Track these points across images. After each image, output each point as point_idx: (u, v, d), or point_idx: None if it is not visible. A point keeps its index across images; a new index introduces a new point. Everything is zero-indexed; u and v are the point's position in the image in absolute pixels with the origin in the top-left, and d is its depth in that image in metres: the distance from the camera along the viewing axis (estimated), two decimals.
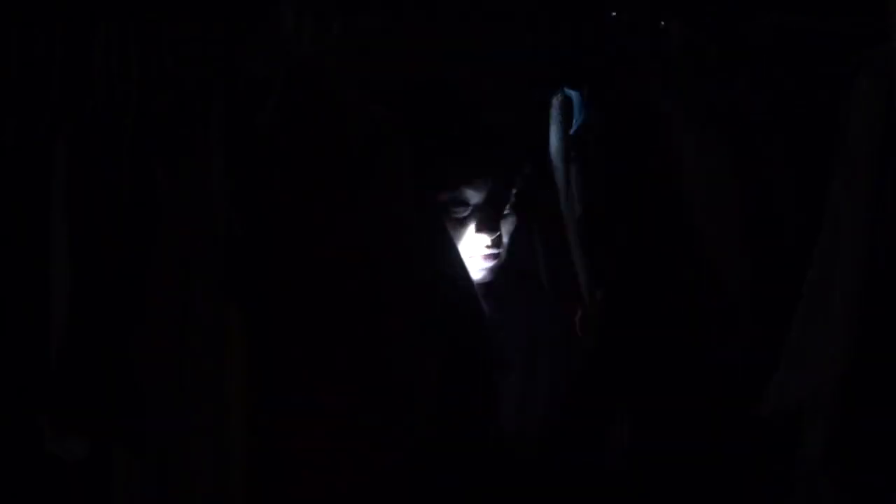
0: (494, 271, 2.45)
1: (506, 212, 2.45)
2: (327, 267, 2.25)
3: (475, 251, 2.42)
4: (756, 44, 2.34)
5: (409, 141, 2.17)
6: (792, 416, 2.12)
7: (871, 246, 2.05)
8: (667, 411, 2.29)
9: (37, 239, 2.29)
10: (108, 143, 2.32)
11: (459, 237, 2.39)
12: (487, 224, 2.39)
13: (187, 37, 2.39)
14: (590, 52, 2.39)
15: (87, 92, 2.38)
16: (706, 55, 2.30)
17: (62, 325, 2.25)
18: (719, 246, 2.30)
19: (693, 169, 2.29)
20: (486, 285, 2.45)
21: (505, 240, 2.46)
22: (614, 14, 2.34)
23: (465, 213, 2.38)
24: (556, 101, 2.48)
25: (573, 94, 2.45)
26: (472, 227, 2.40)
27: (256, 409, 2.17)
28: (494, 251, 2.43)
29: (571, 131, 2.43)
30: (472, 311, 2.30)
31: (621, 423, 2.37)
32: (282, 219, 2.28)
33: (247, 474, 2.16)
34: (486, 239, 2.41)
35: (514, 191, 2.48)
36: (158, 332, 2.23)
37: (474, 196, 2.37)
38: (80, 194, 2.29)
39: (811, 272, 2.09)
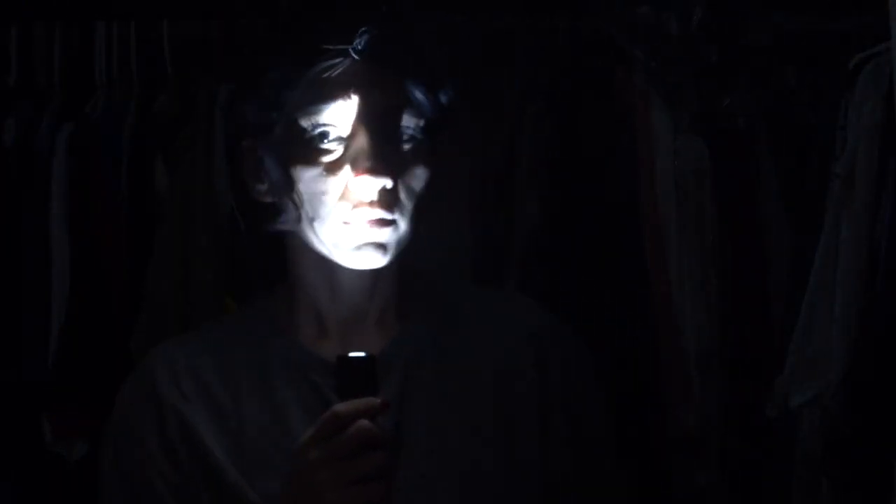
0: (392, 254, 1.54)
1: (410, 147, 1.53)
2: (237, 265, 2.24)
3: (354, 215, 1.51)
4: (756, 44, 2.34)
5: None
6: (793, 416, 2.13)
7: (871, 248, 2.05)
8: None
9: (37, 239, 2.29)
10: (108, 143, 2.32)
11: (329, 190, 1.52)
12: (372, 163, 1.48)
13: (188, 36, 2.39)
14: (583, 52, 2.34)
15: (87, 92, 2.38)
16: (706, 56, 2.30)
17: (62, 325, 2.25)
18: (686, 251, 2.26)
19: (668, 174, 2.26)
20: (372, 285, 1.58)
21: (407, 198, 1.51)
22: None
23: (338, 148, 1.51)
24: None
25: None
26: (346, 170, 1.50)
27: None
28: (386, 215, 1.51)
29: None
30: None
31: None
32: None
33: None
34: (370, 188, 1.49)
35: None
36: (159, 331, 2.22)
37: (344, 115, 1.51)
38: (81, 194, 2.29)
39: (813, 275, 2.10)
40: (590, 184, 2.27)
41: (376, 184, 1.48)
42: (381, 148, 1.49)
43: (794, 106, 2.34)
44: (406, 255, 1.59)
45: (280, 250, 1.65)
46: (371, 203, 1.50)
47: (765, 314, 2.27)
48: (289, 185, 1.53)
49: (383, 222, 1.51)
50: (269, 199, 1.59)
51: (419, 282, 1.64)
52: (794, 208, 2.28)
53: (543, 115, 2.29)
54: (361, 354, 1.42)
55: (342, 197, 1.51)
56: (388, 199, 1.50)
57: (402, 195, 1.51)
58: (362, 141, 1.49)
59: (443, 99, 1.54)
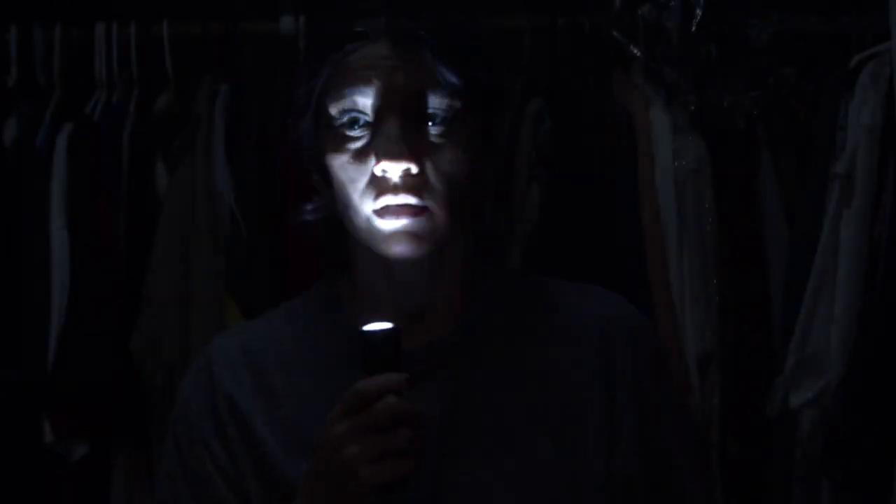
0: (428, 244, 1.50)
1: (442, 131, 1.49)
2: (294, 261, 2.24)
3: (381, 202, 1.48)
4: (756, 44, 2.34)
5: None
6: (793, 416, 2.13)
7: (871, 248, 2.06)
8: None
9: (37, 239, 2.29)
10: (108, 143, 2.32)
11: (358, 177, 1.49)
12: (394, 148, 1.46)
13: (188, 37, 2.39)
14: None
15: (87, 92, 2.38)
16: (706, 56, 2.30)
17: (62, 325, 2.26)
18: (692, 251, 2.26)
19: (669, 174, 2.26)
20: (406, 277, 1.54)
21: (440, 184, 1.48)
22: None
23: (365, 134, 1.49)
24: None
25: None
26: (373, 156, 1.48)
27: None
28: (414, 201, 1.48)
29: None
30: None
31: None
32: (283, 217, 2.28)
33: None
34: (393, 174, 1.47)
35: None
36: (159, 332, 2.23)
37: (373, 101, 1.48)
38: (80, 194, 2.30)
39: (812, 275, 2.10)
40: (589, 183, 2.27)
41: (399, 169, 1.46)
42: (405, 132, 1.46)
43: (794, 106, 2.33)
44: (471, 246, 1.55)
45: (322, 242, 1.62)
46: (396, 189, 1.47)
47: (765, 314, 2.27)
48: (324, 172, 1.51)
49: (412, 210, 1.48)
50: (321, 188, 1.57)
51: (486, 273, 1.60)
52: (793, 208, 2.28)
53: (543, 114, 2.29)
54: (385, 327, 1.40)
55: (370, 184, 1.48)
56: (415, 185, 1.46)
57: (434, 181, 1.47)
58: (385, 125, 1.46)
59: (482, 79, 1.51)
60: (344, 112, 1.48)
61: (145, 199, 2.31)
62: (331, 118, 1.49)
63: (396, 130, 1.45)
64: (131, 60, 2.38)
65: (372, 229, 1.47)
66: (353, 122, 1.48)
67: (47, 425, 2.24)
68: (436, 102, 1.47)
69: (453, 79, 1.47)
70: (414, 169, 1.44)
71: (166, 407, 2.23)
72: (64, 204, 2.29)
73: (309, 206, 1.55)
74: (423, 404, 1.41)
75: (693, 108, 2.29)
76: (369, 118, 1.47)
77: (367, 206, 1.47)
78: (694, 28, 2.31)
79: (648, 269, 2.25)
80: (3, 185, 2.31)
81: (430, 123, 1.47)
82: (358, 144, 1.48)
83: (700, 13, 2.31)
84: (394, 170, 1.44)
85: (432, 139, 1.47)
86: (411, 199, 1.46)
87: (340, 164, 1.48)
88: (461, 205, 1.50)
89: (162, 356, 2.24)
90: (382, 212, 1.46)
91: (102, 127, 2.34)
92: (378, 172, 1.45)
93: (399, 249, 1.47)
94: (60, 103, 2.38)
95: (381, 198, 1.46)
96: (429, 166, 1.46)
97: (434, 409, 1.44)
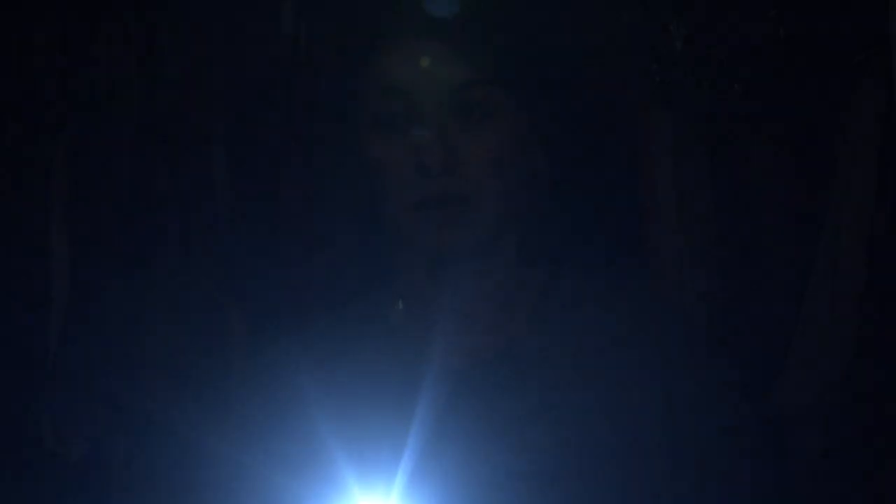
0: (470, 235, 1.45)
1: (482, 120, 1.44)
2: (329, 264, 2.25)
3: (419, 195, 1.43)
4: (755, 44, 2.34)
5: None
6: (793, 415, 2.13)
7: (870, 248, 2.06)
8: None
9: (37, 238, 2.29)
10: (108, 143, 2.32)
11: (395, 170, 1.44)
12: (431, 140, 1.40)
13: (188, 36, 2.39)
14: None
15: (87, 92, 2.38)
16: (706, 55, 2.30)
17: (62, 325, 2.26)
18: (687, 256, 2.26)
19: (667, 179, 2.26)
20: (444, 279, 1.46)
21: (482, 174, 1.44)
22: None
23: (402, 128, 1.45)
24: None
25: None
26: (411, 149, 1.43)
27: None
28: (455, 191, 1.43)
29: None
30: None
31: None
32: (282, 218, 2.28)
33: None
34: (431, 165, 1.41)
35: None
36: (158, 331, 2.23)
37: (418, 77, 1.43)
38: (80, 194, 2.30)
39: (813, 275, 2.10)
40: (589, 185, 2.27)
41: (436, 160, 1.45)
42: (447, 123, 1.46)
43: (794, 106, 2.33)
44: (527, 249, 1.53)
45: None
46: (437, 180, 1.46)
47: (765, 314, 2.27)
48: (362, 166, 1.50)
49: (451, 201, 1.47)
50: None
51: (542, 277, 1.58)
52: (794, 209, 2.28)
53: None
54: None
55: (410, 175, 1.47)
56: (456, 175, 1.46)
57: (474, 171, 1.47)
58: (427, 116, 1.46)
59: (526, 66, 1.50)
60: (386, 103, 1.47)
61: (145, 198, 2.31)
62: (372, 110, 1.48)
63: (438, 121, 1.45)
64: (131, 60, 2.38)
65: (412, 221, 1.45)
66: (395, 114, 1.48)
67: (47, 425, 2.24)
68: (478, 93, 1.47)
69: (496, 70, 1.47)
70: (452, 160, 1.43)
71: (166, 407, 2.23)
72: (64, 204, 2.29)
73: (344, 205, 1.55)
74: (469, 422, 1.41)
75: (694, 109, 2.29)
76: (411, 109, 1.47)
77: (407, 197, 1.46)
78: (694, 29, 2.31)
79: (648, 269, 2.25)
80: (3, 185, 2.31)
81: (472, 114, 1.47)
82: (399, 136, 1.47)
83: (700, 14, 2.31)
84: (432, 161, 1.43)
85: (475, 130, 1.46)
86: (449, 191, 1.44)
87: (380, 156, 1.48)
88: (506, 198, 1.48)
89: (162, 357, 2.23)
90: (423, 202, 1.45)
91: (102, 127, 2.33)
92: (419, 163, 1.44)
93: (440, 240, 1.45)
94: (61, 103, 2.37)
95: (421, 188, 1.45)
96: (470, 157, 1.45)
97: (481, 426, 1.44)
